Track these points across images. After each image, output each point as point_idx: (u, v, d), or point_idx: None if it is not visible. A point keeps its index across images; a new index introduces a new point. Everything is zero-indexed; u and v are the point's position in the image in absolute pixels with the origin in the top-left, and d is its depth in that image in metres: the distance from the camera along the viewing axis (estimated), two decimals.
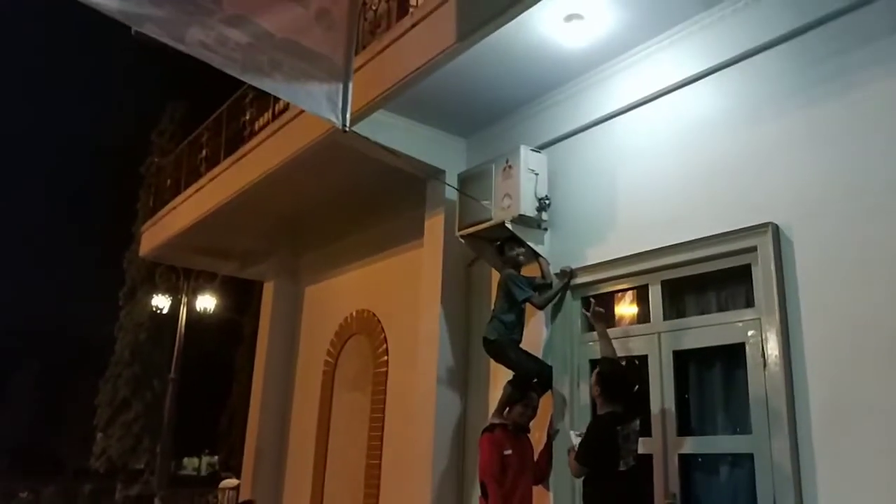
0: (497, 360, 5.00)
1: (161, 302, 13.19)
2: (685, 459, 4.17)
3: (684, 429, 4.25)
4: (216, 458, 23.63)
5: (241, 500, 6.20)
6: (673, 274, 4.47)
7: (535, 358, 4.99)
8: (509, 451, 4.59)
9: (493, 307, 5.09)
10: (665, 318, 4.48)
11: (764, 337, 3.89)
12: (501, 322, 4.91)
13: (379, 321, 7.03)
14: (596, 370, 4.23)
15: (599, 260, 4.83)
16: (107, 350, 18.44)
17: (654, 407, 4.34)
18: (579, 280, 4.96)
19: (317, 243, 8.24)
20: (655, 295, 4.55)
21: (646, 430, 4.34)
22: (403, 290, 6.74)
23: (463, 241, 5.51)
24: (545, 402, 4.90)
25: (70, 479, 20.89)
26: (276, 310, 8.43)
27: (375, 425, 6.60)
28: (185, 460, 34.88)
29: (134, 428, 17.31)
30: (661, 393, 4.33)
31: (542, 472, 4.79)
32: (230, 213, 7.69)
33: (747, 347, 3.98)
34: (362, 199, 7.24)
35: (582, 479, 4.12)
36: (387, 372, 6.69)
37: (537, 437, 4.88)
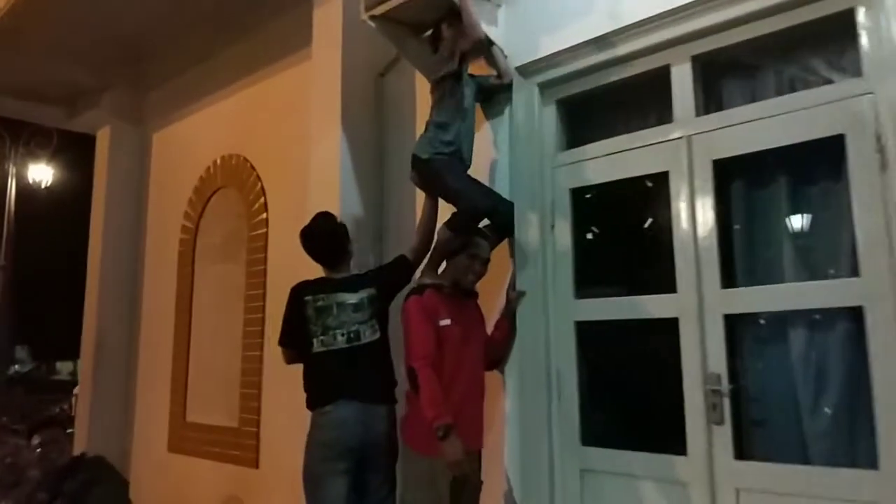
0: (429, 191, 3.32)
1: None
2: (735, 323, 2.70)
3: (731, 277, 2.76)
4: None
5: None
6: (714, 42, 2.86)
7: (488, 189, 3.34)
8: (447, 321, 2.97)
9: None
10: (699, 114, 2.89)
11: (879, 118, 2.38)
12: (438, 128, 3.19)
13: (253, 168, 5.13)
14: None
15: (587, 37, 3.14)
16: None
17: (681, 247, 2.81)
18: (558, 71, 3.28)
19: (166, 72, 6.10)
20: (682, 79, 2.93)
21: (668, 284, 2.83)
22: (285, 121, 4.86)
23: (373, 25, 3.66)
24: (500, 254, 3.30)
25: None
26: (113, 165, 6.28)
27: (254, 305, 4.84)
28: (59, 364, 32.03)
29: None
30: (692, 225, 2.79)
31: (497, 352, 3.24)
32: (30, 21, 5.44)
33: (849, 138, 2.46)
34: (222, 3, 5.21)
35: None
36: (266, 234, 4.87)
37: (490, 303, 3.30)
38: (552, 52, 3.25)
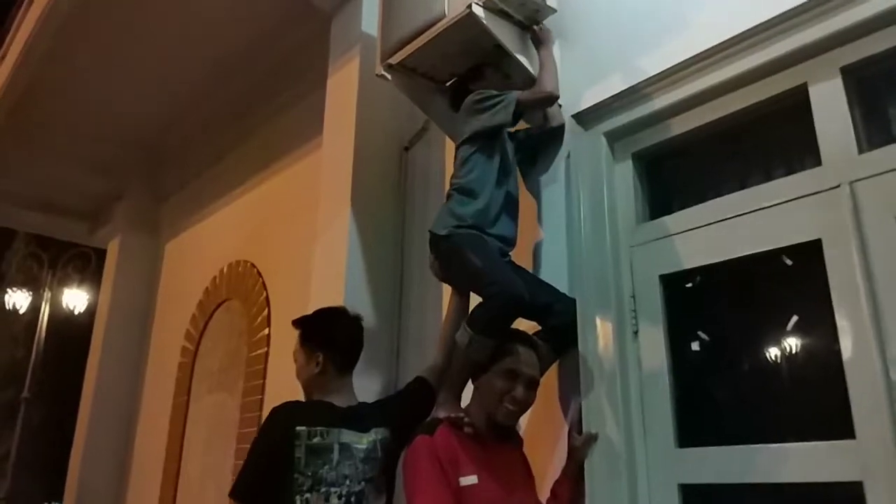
0: (452, 280, 2.33)
1: (19, 300, 10.15)
2: None
3: None
4: None
5: None
6: (875, 44, 1.86)
7: (536, 280, 2.33)
8: (471, 478, 1.87)
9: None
10: (863, 150, 1.85)
11: None
12: (463, 195, 2.24)
13: (260, 275, 4.26)
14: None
15: (678, 59, 2.19)
16: None
17: (855, 361, 1.69)
18: (635, 112, 2.32)
19: (182, 178, 5.45)
20: (829, 101, 1.92)
21: (840, 425, 1.68)
22: (295, 219, 4.03)
23: (388, 77, 2.83)
24: (556, 374, 2.23)
25: None
26: (119, 280, 5.53)
27: (246, 447, 3.79)
28: None
29: (5, 467, 13.94)
30: (875, 324, 1.68)
31: None
32: (44, 119, 4.98)
33: None
34: (239, 92, 4.61)
35: None
36: (267, 354, 3.91)
37: (540, 453, 2.19)
38: (625, 87, 2.30)
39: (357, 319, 2.33)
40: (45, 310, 9.73)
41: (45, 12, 3.90)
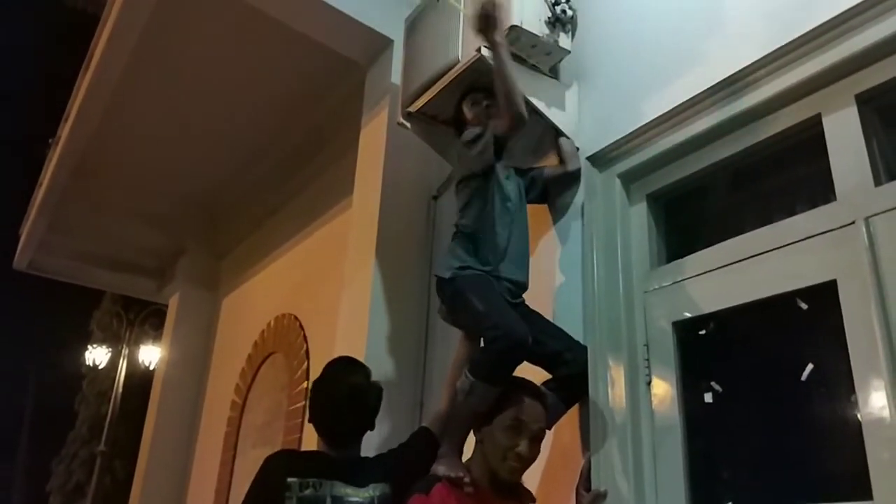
0: (457, 324, 2.25)
1: (98, 356, 10.58)
2: None
3: None
4: None
5: None
6: (893, 68, 1.73)
7: (548, 326, 2.22)
8: None
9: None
10: (879, 183, 1.71)
11: None
12: (465, 237, 2.20)
13: (302, 328, 4.28)
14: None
15: (688, 95, 2.10)
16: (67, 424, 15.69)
17: (872, 416, 1.51)
18: (647, 153, 2.23)
19: (239, 234, 5.60)
20: (843, 132, 1.79)
21: (856, 482, 1.50)
22: (338, 271, 4.03)
23: (407, 125, 2.85)
24: (566, 426, 2.11)
25: None
26: (178, 335, 5.68)
27: None
28: None
29: None
30: (891, 370, 1.51)
31: None
32: (104, 178, 5.23)
33: None
34: (287, 149, 4.74)
35: None
36: (304, 407, 3.90)
37: None
38: (638, 126, 2.22)
39: (356, 391, 2.07)
40: (123, 366, 10.06)
41: (98, 75, 4.09)
